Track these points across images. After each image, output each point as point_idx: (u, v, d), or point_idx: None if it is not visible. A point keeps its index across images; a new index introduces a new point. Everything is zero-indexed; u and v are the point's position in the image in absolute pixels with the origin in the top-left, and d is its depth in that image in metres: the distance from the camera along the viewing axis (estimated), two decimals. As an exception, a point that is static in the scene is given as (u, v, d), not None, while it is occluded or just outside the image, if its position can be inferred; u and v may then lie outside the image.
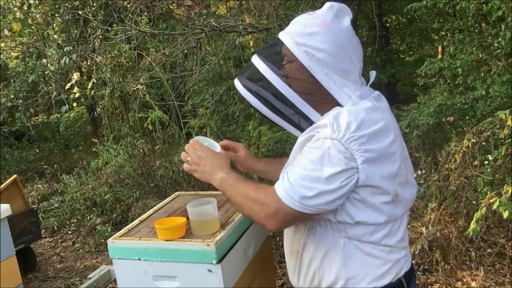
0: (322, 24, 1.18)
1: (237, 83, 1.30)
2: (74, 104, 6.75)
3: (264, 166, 1.60)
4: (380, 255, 1.22)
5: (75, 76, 5.26)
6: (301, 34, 1.19)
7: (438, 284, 2.99)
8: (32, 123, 8.68)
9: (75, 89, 5.34)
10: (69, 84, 5.36)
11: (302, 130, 1.25)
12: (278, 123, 1.30)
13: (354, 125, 1.10)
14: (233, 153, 1.57)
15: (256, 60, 1.26)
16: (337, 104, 1.19)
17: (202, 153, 1.37)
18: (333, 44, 1.17)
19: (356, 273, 1.22)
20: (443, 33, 5.65)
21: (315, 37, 1.17)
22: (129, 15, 5.03)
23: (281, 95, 1.22)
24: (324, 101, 1.21)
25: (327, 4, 1.22)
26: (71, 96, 5.77)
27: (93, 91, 5.54)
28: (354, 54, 1.20)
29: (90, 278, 3.51)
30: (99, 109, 5.72)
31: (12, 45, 6.16)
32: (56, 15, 5.61)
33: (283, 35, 1.23)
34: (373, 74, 1.32)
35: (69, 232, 5.06)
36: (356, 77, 1.22)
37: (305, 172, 1.12)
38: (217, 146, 1.48)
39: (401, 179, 1.20)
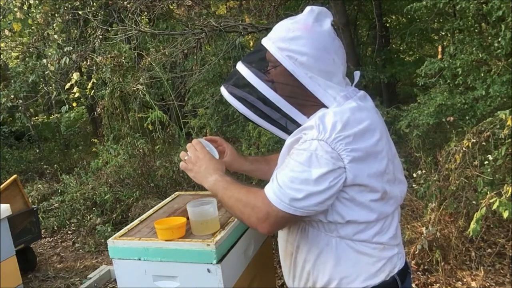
0: (303, 28, 1.19)
1: (223, 90, 1.31)
2: (74, 104, 6.73)
3: (251, 165, 1.60)
4: (372, 253, 1.23)
5: (75, 76, 5.25)
6: (283, 39, 1.20)
7: (438, 284, 2.99)
8: (32, 123, 8.68)
9: (75, 89, 5.34)
10: (68, 84, 5.36)
11: (289, 133, 1.26)
12: (265, 127, 1.31)
13: (339, 125, 1.11)
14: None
15: (241, 67, 1.27)
16: (323, 105, 1.21)
17: (201, 154, 1.38)
18: (315, 47, 1.18)
19: (349, 272, 1.23)
20: (443, 33, 5.63)
21: (297, 41, 1.18)
22: (129, 15, 5.03)
23: (267, 100, 1.23)
24: (310, 103, 1.22)
25: (308, 8, 1.24)
26: (71, 96, 5.77)
27: (93, 91, 5.54)
28: (336, 56, 1.22)
29: (90, 278, 3.51)
30: (99, 109, 5.72)
31: (12, 45, 6.15)
32: (56, 15, 5.60)
33: (266, 41, 1.24)
34: (357, 74, 1.34)
35: (69, 232, 5.06)
36: (340, 78, 1.24)
37: (294, 175, 1.13)
38: (216, 153, 1.48)
39: (389, 176, 1.21)
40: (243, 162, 1.58)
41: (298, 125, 1.23)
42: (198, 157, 1.38)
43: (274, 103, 1.23)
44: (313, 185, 1.11)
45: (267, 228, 1.19)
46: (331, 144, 1.10)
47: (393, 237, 1.27)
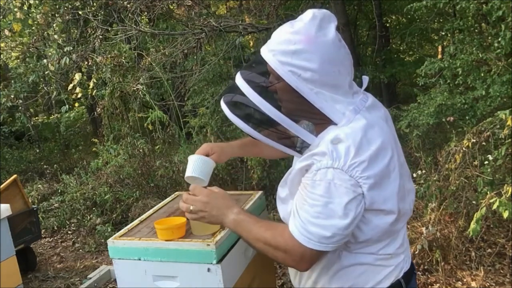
0: (306, 40, 1.09)
1: (224, 107, 1.23)
2: (76, 104, 6.73)
3: (240, 150, 1.65)
4: (378, 263, 1.22)
5: (77, 76, 5.27)
6: (284, 53, 1.10)
7: (438, 284, 2.99)
8: (32, 123, 8.68)
9: (77, 89, 5.35)
10: (71, 85, 5.37)
11: (297, 150, 1.23)
12: (272, 145, 1.23)
13: (353, 150, 1.06)
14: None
15: (241, 83, 1.18)
16: (331, 122, 1.14)
17: (204, 197, 1.31)
18: (320, 61, 1.09)
19: (355, 281, 1.22)
20: (443, 33, 5.64)
21: (299, 55, 1.09)
22: (129, 15, 5.04)
23: (271, 120, 1.14)
24: (317, 121, 1.17)
25: (309, 14, 1.13)
26: (73, 96, 5.78)
27: (94, 91, 5.54)
28: (343, 66, 1.13)
29: (90, 278, 3.51)
30: (99, 109, 5.72)
31: (12, 45, 6.16)
32: (56, 15, 5.61)
33: (266, 54, 1.15)
34: (365, 79, 1.28)
35: (69, 232, 5.06)
36: (346, 88, 1.16)
37: (317, 210, 1.08)
38: (210, 162, 1.53)
39: (402, 193, 1.17)
40: (230, 150, 1.61)
41: (307, 144, 1.18)
42: (203, 201, 1.30)
43: (279, 123, 1.14)
44: (339, 219, 1.07)
45: (306, 266, 1.17)
46: (347, 171, 1.05)
47: (400, 246, 1.25)
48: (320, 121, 1.16)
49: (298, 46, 1.10)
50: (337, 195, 1.06)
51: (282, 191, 1.25)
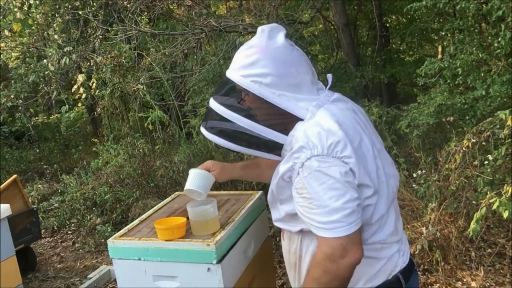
0: (259, 51, 1.22)
1: (204, 131, 1.34)
2: (79, 104, 6.73)
3: (241, 171, 1.65)
4: (370, 254, 1.22)
5: (80, 78, 5.28)
6: (244, 67, 1.23)
7: (438, 284, 2.99)
8: (32, 123, 8.69)
9: (81, 90, 5.36)
10: (75, 86, 5.38)
11: (275, 153, 1.27)
12: (253, 154, 1.32)
13: (324, 134, 1.13)
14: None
15: (214, 104, 1.30)
16: (298, 119, 1.22)
17: None
18: (276, 65, 1.21)
19: None
20: (443, 33, 5.64)
21: (256, 64, 1.21)
22: (129, 15, 5.04)
23: (246, 130, 1.25)
24: (286, 120, 1.24)
25: (259, 30, 1.27)
26: (75, 97, 5.79)
27: (97, 91, 5.55)
28: (299, 66, 1.24)
29: (90, 278, 3.51)
30: (99, 109, 5.73)
31: (12, 45, 6.16)
32: (56, 15, 5.61)
33: (229, 73, 1.28)
34: (329, 77, 1.36)
35: (69, 232, 5.06)
36: (309, 86, 1.25)
37: (328, 195, 1.11)
38: (210, 176, 1.55)
39: (380, 173, 1.22)
40: (231, 170, 1.63)
41: (280, 145, 1.25)
42: None
43: (254, 131, 1.24)
44: (344, 194, 1.11)
45: (357, 255, 1.13)
46: (328, 154, 1.13)
47: (392, 233, 1.26)
48: (289, 120, 1.23)
49: (254, 57, 1.22)
50: (331, 174, 1.11)
51: (269, 195, 1.32)
